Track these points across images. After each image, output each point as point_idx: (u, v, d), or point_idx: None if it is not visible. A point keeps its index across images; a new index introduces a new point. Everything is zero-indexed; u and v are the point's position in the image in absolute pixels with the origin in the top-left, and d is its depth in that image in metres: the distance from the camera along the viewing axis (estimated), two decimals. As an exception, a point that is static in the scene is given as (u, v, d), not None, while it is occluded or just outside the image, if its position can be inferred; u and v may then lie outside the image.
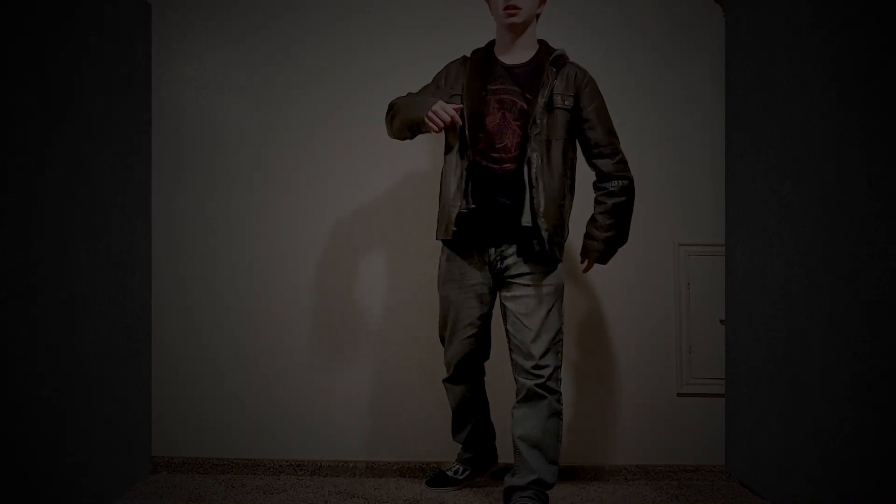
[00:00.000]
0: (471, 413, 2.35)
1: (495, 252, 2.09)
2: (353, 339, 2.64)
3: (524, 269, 2.07)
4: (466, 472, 2.42)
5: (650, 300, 2.62)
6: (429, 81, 2.26)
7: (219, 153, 2.67)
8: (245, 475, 2.60)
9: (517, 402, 2.11)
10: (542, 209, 2.00)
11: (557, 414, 2.09)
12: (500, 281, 2.12)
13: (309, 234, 2.66)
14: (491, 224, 2.06)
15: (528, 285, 2.06)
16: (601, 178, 2.13)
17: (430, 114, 1.99)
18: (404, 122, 2.10)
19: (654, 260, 2.62)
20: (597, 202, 2.14)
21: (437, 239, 2.19)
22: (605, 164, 2.11)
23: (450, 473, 2.44)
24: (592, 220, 2.16)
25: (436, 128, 2.01)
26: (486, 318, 2.20)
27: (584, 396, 2.61)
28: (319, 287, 2.65)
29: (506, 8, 2.04)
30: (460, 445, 2.43)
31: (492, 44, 2.20)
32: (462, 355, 2.22)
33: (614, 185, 2.10)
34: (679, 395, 2.61)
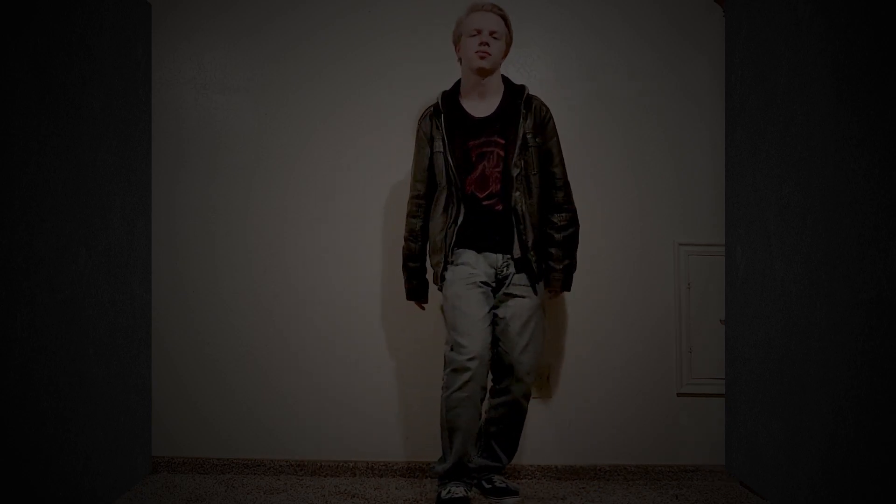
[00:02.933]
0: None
1: (503, 259, 2.22)
2: (354, 339, 2.64)
3: (519, 282, 2.23)
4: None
5: (650, 300, 2.62)
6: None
7: (219, 153, 2.67)
8: (245, 475, 2.60)
9: (497, 400, 2.29)
10: (530, 242, 2.21)
11: (526, 411, 2.33)
12: (499, 288, 2.24)
13: (309, 234, 2.66)
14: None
15: (522, 297, 2.22)
16: (551, 207, 2.29)
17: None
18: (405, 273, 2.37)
19: (654, 260, 2.62)
20: (548, 235, 2.29)
21: (436, 283, 2.30)
22: (557, 195, 2.29)
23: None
24: (548, 254, 2.29)
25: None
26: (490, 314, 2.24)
27: (585, 396, 2.61)
28: (319, 287, 2.65)
29: (478, 51, 2.18)
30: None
31: (458, 85, 2.31)
32: (487, 346, 2.18)
33: (562, 217, 2.29)
34: (679, 395, 2.61)
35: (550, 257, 2.28)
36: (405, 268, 2.37)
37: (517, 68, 2.61)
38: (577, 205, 2.34)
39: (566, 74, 2.64)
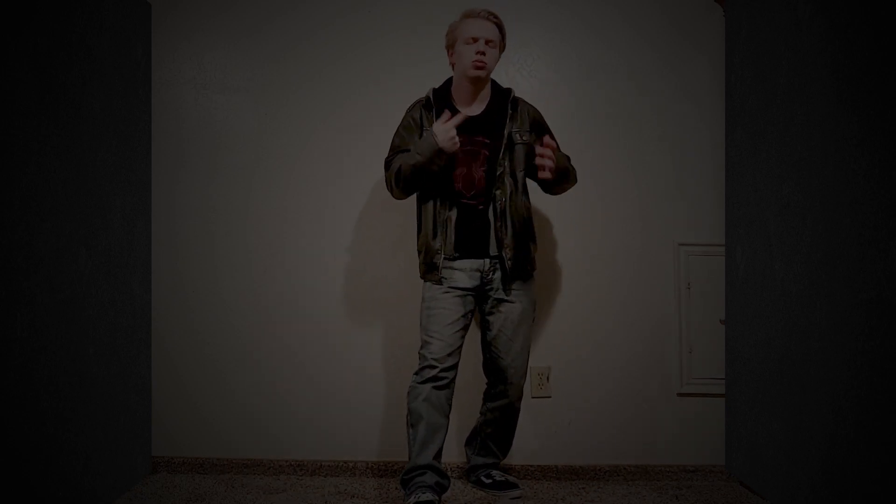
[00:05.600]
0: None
1: (489, 263, 2.22)
2: (354, 339, 2.64)
3: (509, 286, 2.24)
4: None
5: (650, 300, 2.62)
6: (398, 124, 2.30)
7: (219, 153, 2.67)
8: (245, 475, 2.60)
9: (493, 404, 2.34)
10: (506, 240, 2.20)
11: (519, 410, 2.37)
12: (486, 294, 2.25)
13: (309, 234, 2.66)
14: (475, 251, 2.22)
15: (512, 302, 2.24)
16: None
17: (443, 140, 2.08)
18: (414, 167, 2.15)
19: (654, 260, 2.62)
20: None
21: (421, 278, 2.26)
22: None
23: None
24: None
25: (454, 146, 2.11)
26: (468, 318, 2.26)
27: (585, 396, 2.61)
28: (319, 287, 2.65)
29: (475, 61, 2.16)
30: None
31: (448, 85, 2.29)
32: (457, 349, 2.22)
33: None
34: (679, 395, 2.61)
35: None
36: (405, 172, 2.18)
37: (517, 68, 2.61)
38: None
39: (566, 74, 2.64)
